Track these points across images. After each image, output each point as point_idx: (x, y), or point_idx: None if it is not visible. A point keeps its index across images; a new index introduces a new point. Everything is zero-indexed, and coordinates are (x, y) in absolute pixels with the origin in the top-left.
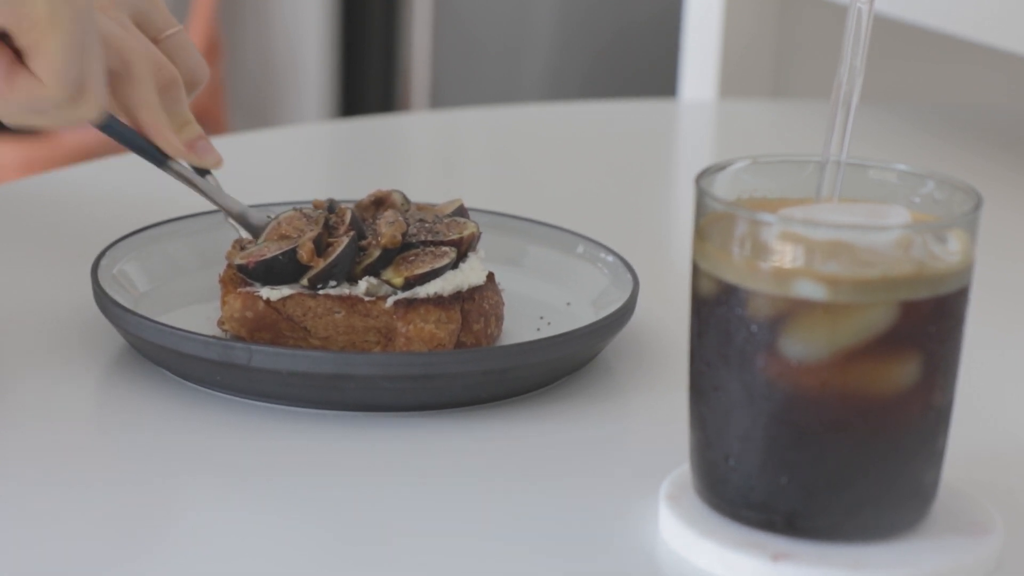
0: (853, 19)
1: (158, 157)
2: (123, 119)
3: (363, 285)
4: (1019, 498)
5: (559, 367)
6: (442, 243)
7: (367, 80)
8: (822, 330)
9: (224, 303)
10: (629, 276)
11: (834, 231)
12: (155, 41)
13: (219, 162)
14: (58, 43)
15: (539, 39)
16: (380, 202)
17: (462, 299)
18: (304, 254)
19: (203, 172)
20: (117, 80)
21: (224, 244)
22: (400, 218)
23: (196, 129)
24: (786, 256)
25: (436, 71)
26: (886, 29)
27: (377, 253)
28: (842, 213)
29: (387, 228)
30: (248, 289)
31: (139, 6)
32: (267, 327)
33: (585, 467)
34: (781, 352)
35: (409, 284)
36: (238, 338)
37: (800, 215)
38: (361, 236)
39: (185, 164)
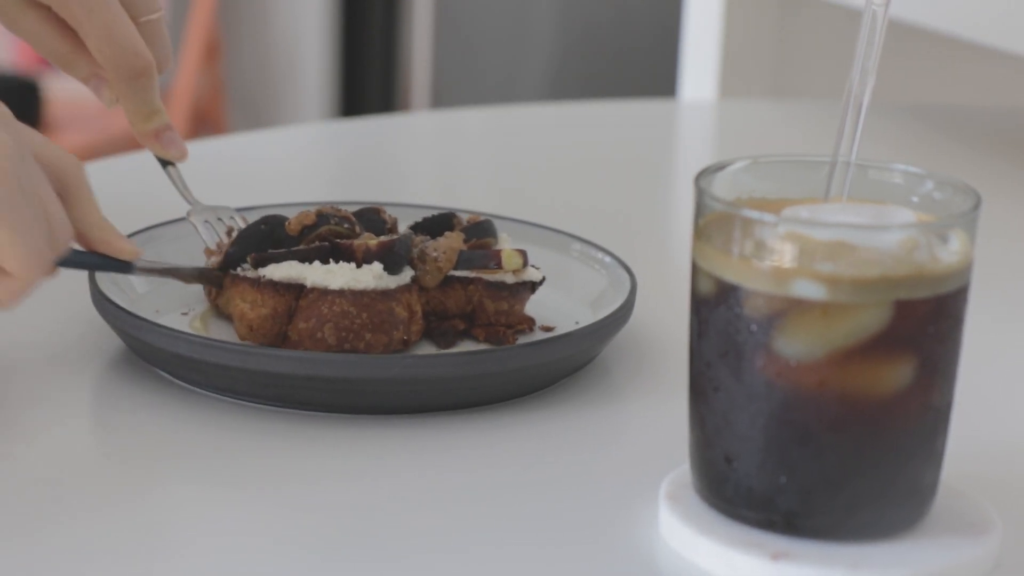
0: (868, 20)
1: (123, 266)
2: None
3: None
4: (1018, 498)
5: (558, 369)
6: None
7: (367, 80)
8: (821, 330)
9: (235, 306)
10: (627, 277)
11: (834, 231)
12: (134, 21)
13: (183, 155)
14: (10, 236)
15: (539, 39)
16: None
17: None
18: (292, 225)
19: (167, 163)
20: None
21: None
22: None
23: (164, 118)
24: (786, 256)
25: (436, 71)
26: (887, 29)
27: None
28: (847, 213)
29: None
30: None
31: None
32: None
33: (584, 467)
34: (780, 352)
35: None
36: (241, 341)
37: (806, 215)
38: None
39: (150, 261)
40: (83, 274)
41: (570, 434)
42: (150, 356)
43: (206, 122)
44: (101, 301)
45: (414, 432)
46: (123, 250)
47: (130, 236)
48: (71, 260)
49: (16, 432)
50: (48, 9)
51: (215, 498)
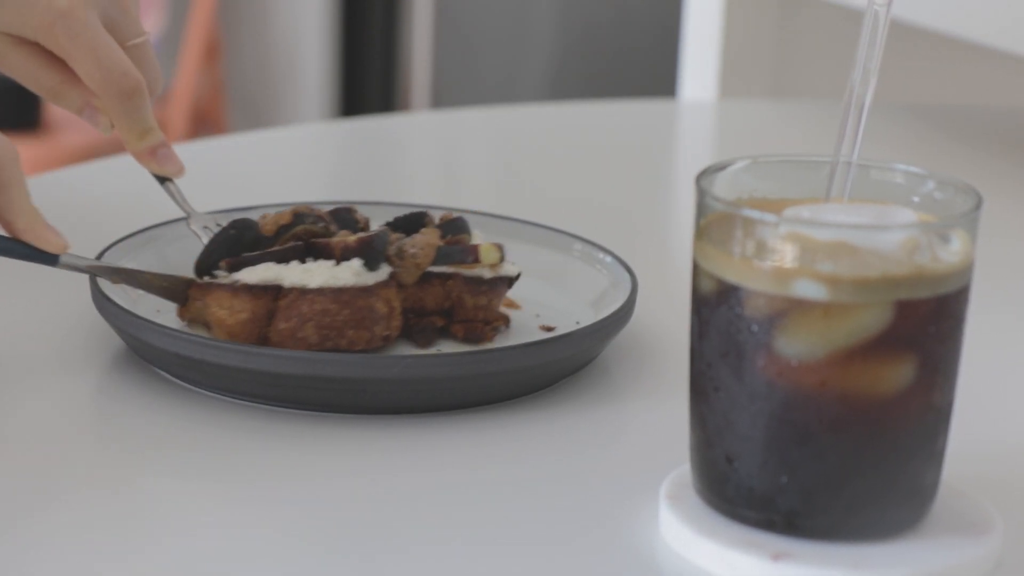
0: (869, 21)
1: (48, 258)
2: None
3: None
4: (1019, 498)
5: (559, 369)
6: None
7: (367, 80)
8: (822, 330)
9: (212, 314)
10: (628, 277)
11: (835, 231)
12: (121, 47)
13: (180, 170)
14: None
15: (539, 39)
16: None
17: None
18: (267, 225)
19: (164, 179)
20: None
21: None
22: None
23: (158, 136)
24: (787, 256)
25: (436, 71)
26: (888, 29)
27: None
28: (848, 214)
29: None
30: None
31: (110, 12)
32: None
33: (585, 468)
34: (781, 352)
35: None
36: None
37: (807, 215)
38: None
39: (77, 256)
40: (84, 275)
41: (570, 434)
42: (150, 356)
43: (206, 122)
44: (101, 301)
45: (414, 432)
46: (49, 241)
47: (130, 236)
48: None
49: (17, 431)
50: (36, 44)
51: (215, 496)
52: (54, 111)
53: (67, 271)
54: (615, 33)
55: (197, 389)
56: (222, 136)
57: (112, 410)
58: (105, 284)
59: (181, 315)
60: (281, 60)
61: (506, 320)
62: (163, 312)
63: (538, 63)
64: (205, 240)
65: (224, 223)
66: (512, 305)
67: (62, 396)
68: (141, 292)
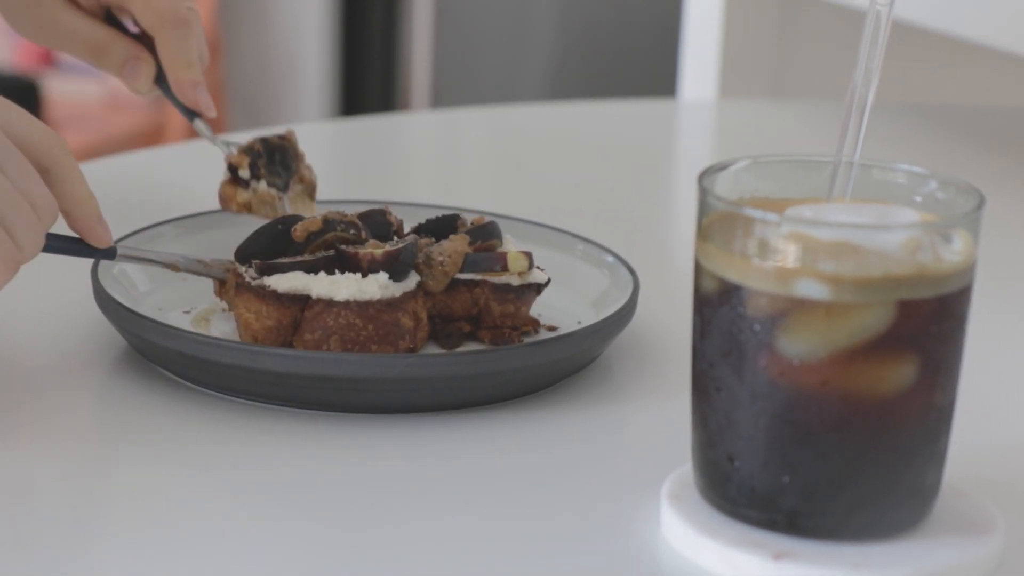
0: (871, 21)
1: (106, 252)
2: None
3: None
4: (1021, 498)
5: (561, 368)
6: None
7: (367, 80)
8: (824, 330)
9: (239, 315)
10: (629, 277)
11: (838, 231)
12: None
13: (211, 109)
14: None
15: (539, 39)
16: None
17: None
18: (297, 231)
19: (194, 114)
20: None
21: (225, 244)
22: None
23: (200, 75)
24: (789, 255)
25: (436, 71)
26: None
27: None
28: (850, 213)
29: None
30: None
31: None
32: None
33: (586, 467)
34: (783, 351)
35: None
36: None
37: (809, 214)
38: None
39: (132, 248)
40: (86, 273)
41: (572, 433)
42: (152, 354)
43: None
44: (104, 299)
45: (415, 431)
46: (97, 236)
47: (133, 233)
48: (52, 246)
49: (19, 430)
50: (83, 8)
51: (215, 495)
52: (54, 112)
53: (66, 269)
54: (615, 33)
55: (199, 388)
56: (222, 136)
57: (114, 408)
58: (107, 283)
59: (220, 294)
60: (281, 60)
61: (535, 325)
62: (165, 311)
63: (538, 63)
64: (222, 148)
65: (260, 146)
66: None
67: (64, 395)
68: (142, 292)
